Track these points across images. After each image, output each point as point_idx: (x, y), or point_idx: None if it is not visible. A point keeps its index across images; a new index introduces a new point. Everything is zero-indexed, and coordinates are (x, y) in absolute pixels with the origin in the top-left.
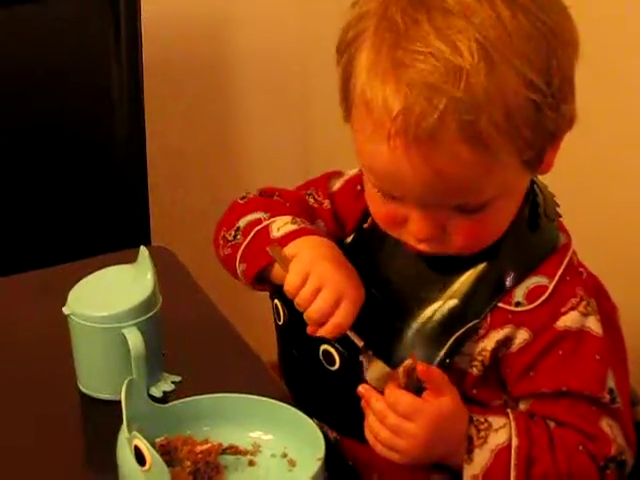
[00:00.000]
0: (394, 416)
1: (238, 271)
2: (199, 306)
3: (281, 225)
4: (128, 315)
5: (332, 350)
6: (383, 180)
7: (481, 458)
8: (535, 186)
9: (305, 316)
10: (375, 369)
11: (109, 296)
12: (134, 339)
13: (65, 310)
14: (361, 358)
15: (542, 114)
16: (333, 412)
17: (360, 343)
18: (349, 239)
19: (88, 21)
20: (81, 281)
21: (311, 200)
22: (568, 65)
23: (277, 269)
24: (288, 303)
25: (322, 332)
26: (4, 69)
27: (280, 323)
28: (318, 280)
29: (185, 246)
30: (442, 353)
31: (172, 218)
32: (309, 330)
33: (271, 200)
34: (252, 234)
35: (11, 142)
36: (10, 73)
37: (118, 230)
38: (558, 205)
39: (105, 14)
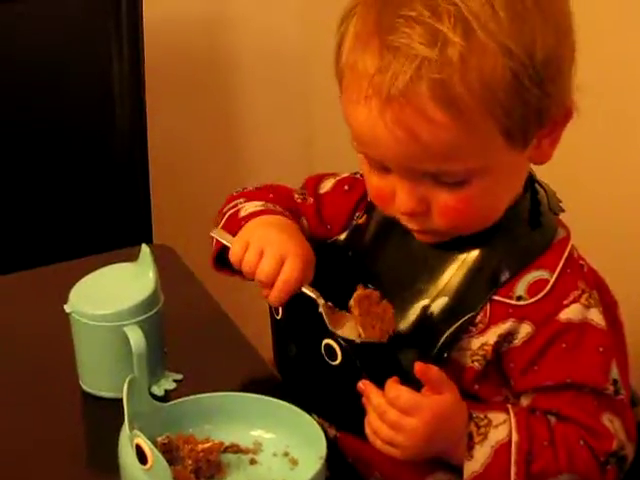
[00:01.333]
0: (394, 412)
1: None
2: (201, 304)
3: (250, 207)
4: (130, 313)
5: (334, 344)
6: (363, 144)
7: (481, 454)
8: (536, 184)
9: (255, 281)
10: (341, 320)
11: (111, 294)
12: (136, 337)
13: (67, 308)
14: (320, 310)
15: (521, 85)
16: (333, 408)
17: (319, 299)
18: (343, 236)
19: (90, 16)
20: (83, 279)
21: (296, 195)
22: (556, 47)
23: None
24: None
25: (274, 292)
26: (6, 63)
27: (278, 317)
28: (258, 244)
29: (187, 244)
30: (437, 348)
31: (174, 216)
32: (263, 294)
33: (257, 191)
34: (224, 218)
35: (11, 137)
36: (12, 67)
37: (119, 228)
38: (560, 201)
39: (107, 9)
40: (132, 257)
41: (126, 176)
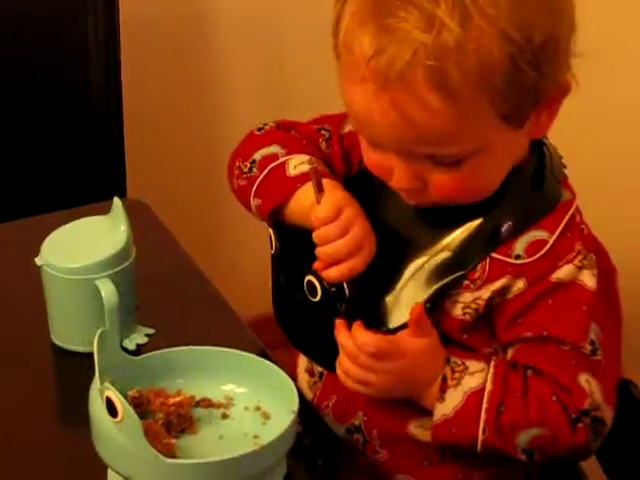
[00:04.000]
0: (365, 356)
1: (252, 205)
2: (174, 259)
3: (297, 164)
4: (101, 266)
5: (315, 281)
6: (360, 124)
7: (453, 398)
8: (544, 147)
9: (321, 250)
10: None
11: (82, 247)
12: (107, 291)
13: (38, 261)
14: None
15: (519, 69)
16: (316, 345)
17: (346, 293)
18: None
19: None
20: (54, 232)
21: (323, 145)
22: (554, 28)
23: (292, 207)
24: (281, 232)
25: (335, 272)
26: None
27: (272, 252)
28: (349, 219)
29: (162, 198)
30: (425, 298)
31: (148, 171)
32: (317, 265)
33: (288, 135)
34: (268, 169)
35: None
36: None
37: (94, 182)
38: (565, 166)
39: None
40: (105, 211)
41: (101, 130)
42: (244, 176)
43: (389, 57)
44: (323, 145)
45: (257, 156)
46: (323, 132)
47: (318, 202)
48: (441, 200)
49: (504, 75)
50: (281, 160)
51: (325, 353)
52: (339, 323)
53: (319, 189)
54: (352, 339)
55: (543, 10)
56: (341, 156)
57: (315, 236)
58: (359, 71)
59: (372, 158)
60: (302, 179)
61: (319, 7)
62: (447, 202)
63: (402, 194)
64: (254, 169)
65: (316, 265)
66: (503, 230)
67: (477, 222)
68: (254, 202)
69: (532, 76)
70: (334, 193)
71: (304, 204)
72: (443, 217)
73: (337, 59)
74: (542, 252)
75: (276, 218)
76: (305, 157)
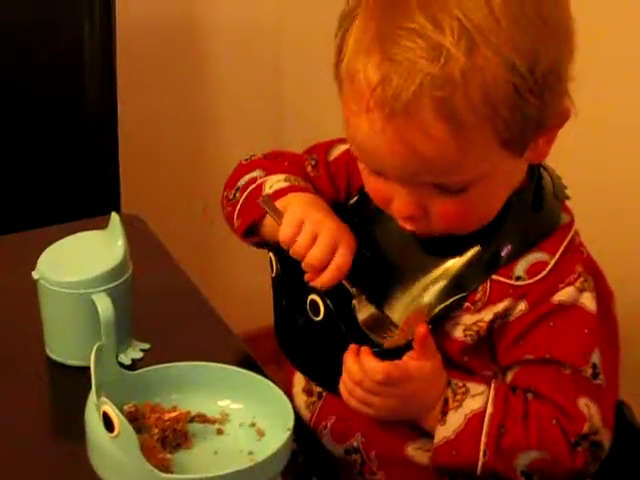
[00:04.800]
0: (370, 381)
1: (235, 227)
2: (169, 274)
3: (274, 182)
4: (98, 281)
5: (318, 299)
6: (364, 153)
7: (454, 421)
8: (542, 169)
9: (304, 264)
10: (365, 312)
11: (79, 262)
12: (103, 305)
13: (34, 275)
14: (354, 302)
15: (522, 99)
16: (317, 365)
17: (352, 289)
18: (353, 200)
19: None
20: (51, 246)
21: (309, 168)
22: (557, 56)
23: (267, 224)
24: (281, 255)
25: (323, 278)
26: None
27: (273, 275)
28: (313, 227)
29: (156, 214)
30: (427, 320)
31: (143, 186)
32: (307, 277)
33: (271, 161)
34: (247, 191)
35: None
36: None
37: (88, 197)
38: (566, 187)
39: None
40: (101, 226)
41: (95, 145)
42: (229, 203)
43: (395, 88)
44: (309, 169)
45: (240, 182)
46: (310, 160)
47: (279, 225)
48: (441, 229)
49: (509, 104)
50: (259, 181)
51: (326, 374)
52: (351, 349)
53: (276, 214)
54: (359, 364)
55: (548, 38)
56: (328, 180)
57: (291, 254)
58: (364, 101)
59: (373, 185)
60: (276, 196)
61: (316, 16)
62: (447, 231)
63: (400, 222)
64: (237, 194)
65: (306, 277)
66: (503, 254)
67: (477, 248)
68: (236, 223)
69: (535, 104)
70: (291, 211)
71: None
72: (443, 243)
73: (339, 87)
74: (543, 274)
75: (256, 238)
76: (282, 176)
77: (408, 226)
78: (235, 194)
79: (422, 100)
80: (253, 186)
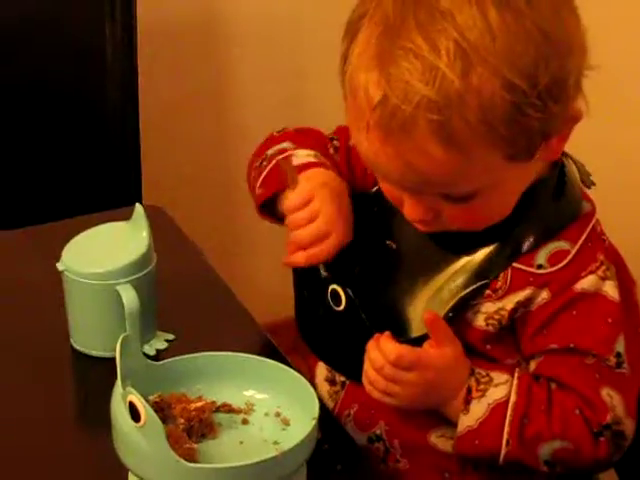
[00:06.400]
0: (390, 367)
1: (255, 194)
2: (193, 265)
3: (302, 155)
4: (122, 272)
5: (340, 290)
6: (368, 164)
7: (477, 410)
8: (565, 157)
9: (291, 236)
10: None
11: (104, 253)
12: (128, 296)
13: (59, 266)
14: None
15: (524, 115)
16: (340, 355)
17: (325, 272)
18: (375, 188)
19: None
20: (76, 237)
21: (331, 151)
22: (561, 68)
23: (286, 197)
24: None
25: (297, 257)
26: None
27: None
28: (314, 210)
29: (177, 206)
30: (446, 309)
31: (165, 177)
32: (289, 249)
33: (302, 135)
34: (274, 161)
35: (3, 99)
36: (2, 29)
37: (111, 189)
38: (590, 174)
39: None
40: (125, 217)
41: (117, 138)
42: (255, 169)
43: (392, 108)
44: (332, 151)
45: (269, 152)
46: (334, 141)
47: (291, 189)
48: (455, 228)
49: (508, 122)
50: (287, 153)
51: (349, 364)
52: (375, 338)
53: (292, 178)
54: (379, 350)
55: (550, 51)
56: (345, 166)
57: (287, 222)
58: (364, 118)
59: (384, 187)
60: (302, 169)
61: (336, 17)
62: (466, 230)
63: (413, 223)
64: (264, 162)
65: (288, 248)
66: (524, 243)
67: (498, 238)
68: (257, 191)
69: (538, 117)
70: (306, 184)
71: None
72: (462, 237)
73: (344, 95)
74: (565, 262)
75: (270, 215)
76: (311, 152)
77: (421, 227)
78: (262, 162)
79: (418, 122)
80: (282, 156)
